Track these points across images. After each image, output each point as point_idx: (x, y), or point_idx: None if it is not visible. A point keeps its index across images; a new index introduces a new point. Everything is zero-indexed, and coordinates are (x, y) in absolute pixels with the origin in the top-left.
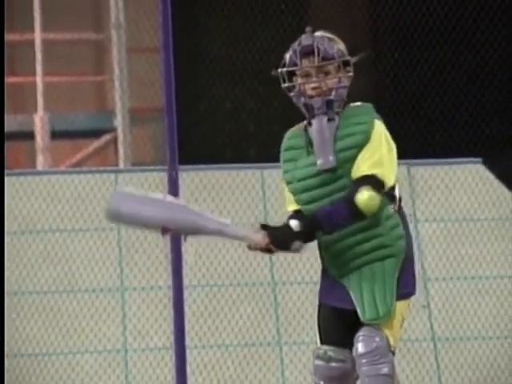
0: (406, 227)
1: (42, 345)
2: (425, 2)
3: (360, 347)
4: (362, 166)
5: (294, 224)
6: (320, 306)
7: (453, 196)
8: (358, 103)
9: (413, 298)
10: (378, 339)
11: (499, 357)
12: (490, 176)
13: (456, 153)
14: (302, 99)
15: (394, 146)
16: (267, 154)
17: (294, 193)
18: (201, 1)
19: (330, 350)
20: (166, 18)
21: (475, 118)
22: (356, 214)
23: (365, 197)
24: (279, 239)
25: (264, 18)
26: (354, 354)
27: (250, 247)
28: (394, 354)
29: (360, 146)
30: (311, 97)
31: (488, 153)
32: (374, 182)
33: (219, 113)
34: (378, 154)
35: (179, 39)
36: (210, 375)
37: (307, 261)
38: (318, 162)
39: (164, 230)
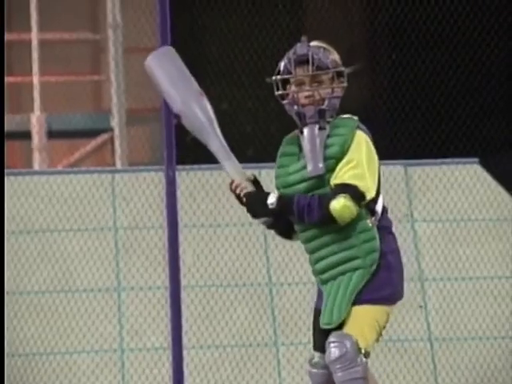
0: (388, 239)
1: (38, 344)
2: (421, 3)
3: (331, 353)
4: (344, 175)
5: (271, 200)
6: (314, 311)
7: (450, 196)
8: (346, 115)
9: (410, 298)
10: (348, 344)
11: (496, 357)
12: (486, 176)
13: (453, 153)
14: (295, 107)
15: (376, 158)
16: (265, 154)
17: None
18: (198, 1)
19: (319, 357)
20: (164, 18)
21: (472, 118)
22: (326, 218)
23: (340, 205)
24: (253, 207)
25: (261, 18)
26: (327, 360)
27: (230, 186)
28: (366, 356)
29: (336, 158)
30: (304, 105)
31: (485, 153)
32: (353, 192)
33: (217, 113)
34: (361, 167)
35: (177, 39)
36: (207, 376)
37: (304, 261)
38: (309, 168)
39: (177, 116)
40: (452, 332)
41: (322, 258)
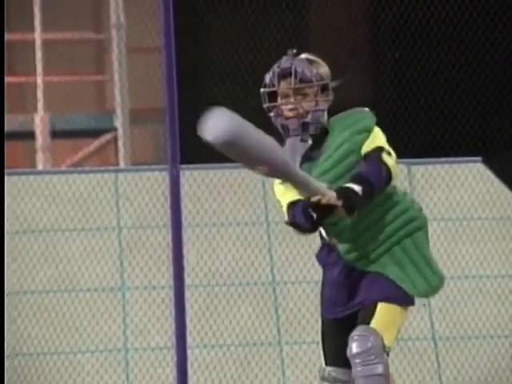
0: None
1: (42, 344)
2: (425, 1)
3: (354, 347)
4: (374, 144)
5: (358, 188)
6: (323, 323)
7: (453, 195)
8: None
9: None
10: (372, 339)
11: (500, 356)
12: (490, 175)
13: (456, 152)
14: (279, 120)
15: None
16: None
17: None
18: (202, 1)
19: (333, 371)
20: (168, 17)
21: (475, 117)
22: (389, 175)
23: (392, 161)
24: (351, 202)
25: (265, 18)
26: (349, 353)
27: (316, 202)
28: (388, 354)
29: (360, 146)
30: (288, 118)
31: (488, 152)
32: (388, 154)
33: None
34: (385, 144)
35: (180, 39)
36: (211, 375)
37: (308, 260)
38: None
39: (264, 168)
40: (456, 331)
41: (376, 234)
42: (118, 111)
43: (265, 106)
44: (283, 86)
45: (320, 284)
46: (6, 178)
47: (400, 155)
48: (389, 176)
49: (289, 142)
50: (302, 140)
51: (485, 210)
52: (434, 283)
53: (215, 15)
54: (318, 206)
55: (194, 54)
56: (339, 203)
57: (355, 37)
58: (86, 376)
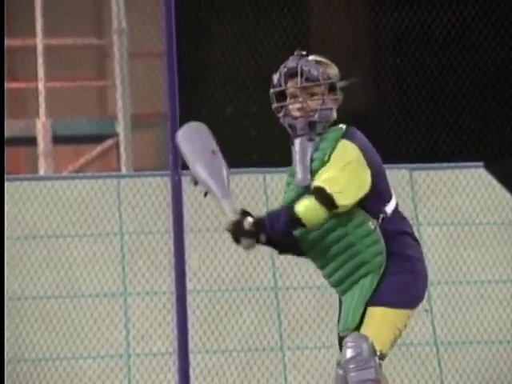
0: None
1: (44, 350)
2: (426, 6)
3: (348, 353)
4: (316, 180)
5: (248, 222)
6: (338, 317)
7: (455, 200)
8: (335, 127)
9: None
10: (363, 345)
11: (502, 361)
12: (491, 180)
13: (458, 157)
14: (287, 120)
15: (360, 161)
16: (269, 158)
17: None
18: (203, 6)
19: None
20: (170, 23)
21: (477, 122)
22: (293, 222)
23: (303, 206)
24: (234, 233)
25: (266, 23)
26: (342, 360)
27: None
28: (381, 358)
29: (318, 169)
30: (295, 117)
31: (490, 157)
32: (321, 195)
33: (221, 117)
34: (334, 171)
35: (182, 44)
36: (214, 380)
37: (310, 265)
38: (296, 179)
39: (193, 170)
40: (458, 336)
41: (334, 271)
42: (120, 116)
43: (273, 106)
44: (290, 86)
45: (321, 289)
46: (7, 183)
47: (401, 160)
48: (290, 221)
49: (297, 142)
50: (310, 139)
51: (486, 215)
52: (349, 325)
53: (217, 20)
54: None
55: (196, 59)
56: (228, 229)
57: (356, 42)
58: (88, 382)
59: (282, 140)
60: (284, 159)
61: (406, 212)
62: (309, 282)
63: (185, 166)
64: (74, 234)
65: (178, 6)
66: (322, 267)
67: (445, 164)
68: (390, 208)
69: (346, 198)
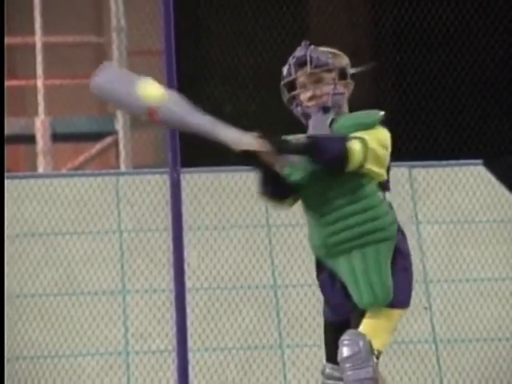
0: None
1: (43, 347)
2: (426, 3)
3: (344, 351)
4: (360, 133)
5: (293, 138)
6: (324, 321)
7: (454, 198)
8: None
9: (415, 300)
10: (361, 343)
11: (501, 359)
12: (491, 178)
13: (457, 155)
14: (299, 109)
15: (389, 149)
16: None
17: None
18: (202, 4)
19: (331, 368)
20: (168, 21)
21: (476, 120)
22: (342, 157)
23: (355, 146)
24: (282, 145)
25: (265, 21)
26: (339, 358)
27: (235, 151)
28: (378, 357)
29: (348, 126)
30: (308, 106)
31: (489, 154)
32: (365, 145)
33: (221, 116)
34: (375, 139)
35: (181, 42)
36: (213, 378)
37: (309, 263)
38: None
39: (150, 115)
40: (457, 333)
41: (339, 231)
42: (119, 114)
43: (285, 98)
44: (300, 75)
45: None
46: (7, 181)
47: (401, 158)
48: (339, 154)
49: (311, 120)
50: (325, 112)
51: (486, 213)
52: (380, 297)
53: (216, 18)
54: (243, 156)
55: (195, 57)
56: (259, 148)
57: (356, 40)
58: (87, 379)
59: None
60: None
61: (406, 210)
62: (308, 280)
63: (184, 164)
64: (72, 231)
65: (176, 4)
66: (324, 224)
67: (444, 162)
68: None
69: (372, 163)
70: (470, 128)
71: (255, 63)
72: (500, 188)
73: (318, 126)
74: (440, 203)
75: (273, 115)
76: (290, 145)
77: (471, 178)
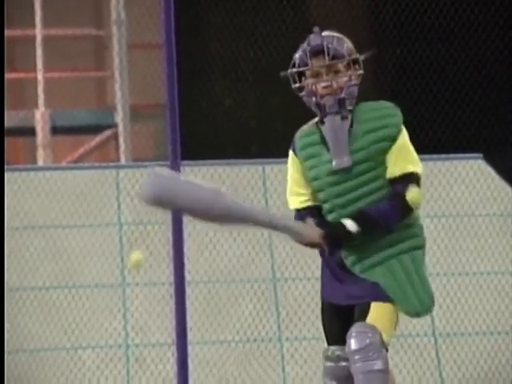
0: None
1: (43, 340)
2: None
3: (353, 343)
4: (402, 163)
5: (350, 224)
6: (323, 305)
7: (454, 192)
8: (392, 107)
9: None
10: (370, 335)
11: (500, 352)
12: (490, 171)
13: (457, 148)
14: (314, 99)
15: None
16: (268, 149)
17: (319, 189)
18: None
19: (337, 350)
20: (168, 14)
21: (476, 113)
22: (408, 211)
23: (415, 194)
24: (336, 239)
25: (265, 14)
26: (347, 350)
27: (300, 242)
28: (387, 350)
29: (393, 139)
30: (322, 96)
31: (489, 148)
32: (415, 179)
33: (221, 109)
34: (412, 151)
35: (181, 35)
36: (212, 371)
37: (308, 257)
38: (334, 161)
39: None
40: (456, 327)
41: (372, 242)
42: (119, 107)
43: (296, 86)
44: (315, 64)
45: (319, 281)
46: (6, 174)
47: None
48: (405, 211)
49: (328, 120)
50: (343, 117)
51: (485, 207)
52: (426, 304)
53: (215, 12)
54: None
55: (195, 50)
56: (322, 243)
57: (356, 33)
58: (87, 372)
59: (281, 131)
60: (283, 150)
61: None
62: (307, 273)
63: (184, 157)
64: (72, 224)
65: None
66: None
67: (444, 155)
68: None
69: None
70: (469, 122)
71: (255, 56)
72: (500, 182)
73: (336, 132)
74: (439, 197)
75: (273, 108)
76: (351, 235)
77: (471, 172)
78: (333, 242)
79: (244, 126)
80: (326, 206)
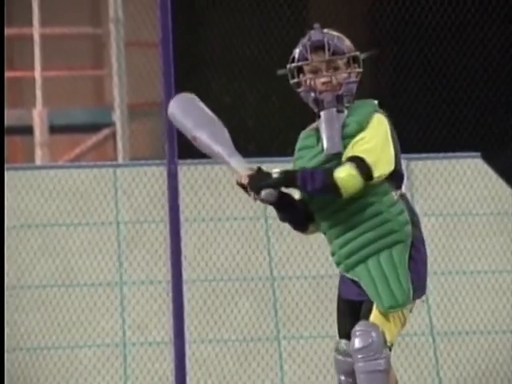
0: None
1: (40, 339)
2: None
3: (356, 342)
4: (355, 148)
5: (275, 171)
6: (338, 299)
7: (452, 190)
8: (367, 99)
9: None
10: (374, 334)
11: (497, 351)
12: (488, 170)
13: (455, 147)
14: (312, 94)
15: (390, 137)
16: (266, 148)
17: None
18: None
19: (346, 344)
20: (165, 12)
21: (474, 112)
22: (329, 186)
23: (344, 173)
24: (255, 180)
25: (263, 12)
26: (351, 348)
27: (237, 182)
28: (390, 349)
29: (353, 137)
30: (321, 92)
31: (487, 147)
32: (360, 164)
33: (218, 107)
34: (374, 141)
35: (178, 33)
36: (209, 370)
37: (306, 255)
38: (325, 146)
39: (193, 139)
40: (454, 326)
41: (350, 240)
42: (116, 106)
43: (294, 81)
44: (315, 59)
45: (317, 279)
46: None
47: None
48: (326, 185)
49: (324, 114)
50: (339, 111)
51: (483, 206)
52: (399, 299)
53: (213, 9)
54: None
55: (192, 48)
56: (243, 183)
57: (354, 32)
58: (84, 370)
59: (279, 130)
60: (281, 149)
61: None
62: (305, 272)
63: (181, 156)
64: (70, 223)
65: None
66: (335, 237)
67: (442, 154)
68: (403, 188)
69: (380, 169)
70: (467, 121)
71: (253, 55)
72: (498, 181)
73: (331, 122)
74: (437, 196)
75: (271, 106)
76: (274, 180)
77: (469, 171)
78: (252, 182)
79: (242, 125)
80: (314, 200)
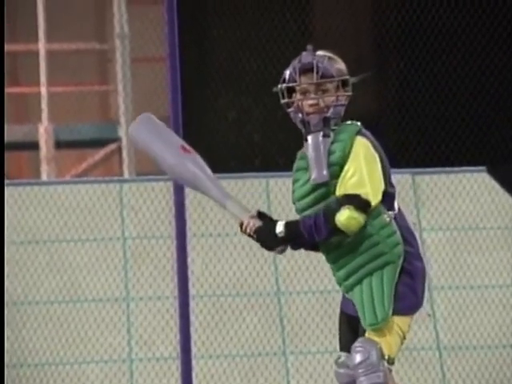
0: (410, 240)
1: (47, 354)
2: (430, 11)
3: (357, 358)
4: (346, 185)
5: (279, 229)
6: (340, 311)
7: (457, 204)
8: (349, 122)
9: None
10: (371, 350)
11: (505, 366)
12: (494, 184)
13: (460, 161)
14: (299, 115)
15: (376, 159)
16: (272, 163)
17: (297, 212)
18: (206, 11)
19: (346, 356)
20: (172, 27)
21: (480, 126)
22: (334, 233)
23: (344, 217)
24: (264, 239)
25: (269, 27)
26: (351, 364)
27: (240, 227)
28: (389, 362)
29: (339, 164)
30: (308, 113)
31: (492, 161)
32: (357, 201)
33: (224, 122)
34: (359, 173)
35: (185, 49)
36: None
37: (313, 270)
38: (312, 176)
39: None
40: (461, 340)
41: (346, 264)
42: (123, 121)
43: (284, 101)
44: (304, 81)
45: (324, 294)
46: (10, 188)
47: (404, 165)
48: (330, 230)
49: (310, 138)
50: (325, 135)
51: (489, 220)
52: (379, 316)
53: (219, 25)
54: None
55: (198, 63)
56: (254, 237)
57: (359, 46)
58: None
59: (285, 144)
60: (287, 164)
61: (409, 217)
62: (311, 287)
63: None
64: (76, 238)
65: (180, 10)
66: (332, 261)
67: (447, 168)
68: (396, 205)
69: (375, 197)
70: (473, 135)
71: (259, 70)
72: (503, 195)
73: (317, 148)
74: (443, 210)
75: (277, 121)
76: (282, 238)
77: (475, 185)
78: (261, 241)
79: (248, 139)
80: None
